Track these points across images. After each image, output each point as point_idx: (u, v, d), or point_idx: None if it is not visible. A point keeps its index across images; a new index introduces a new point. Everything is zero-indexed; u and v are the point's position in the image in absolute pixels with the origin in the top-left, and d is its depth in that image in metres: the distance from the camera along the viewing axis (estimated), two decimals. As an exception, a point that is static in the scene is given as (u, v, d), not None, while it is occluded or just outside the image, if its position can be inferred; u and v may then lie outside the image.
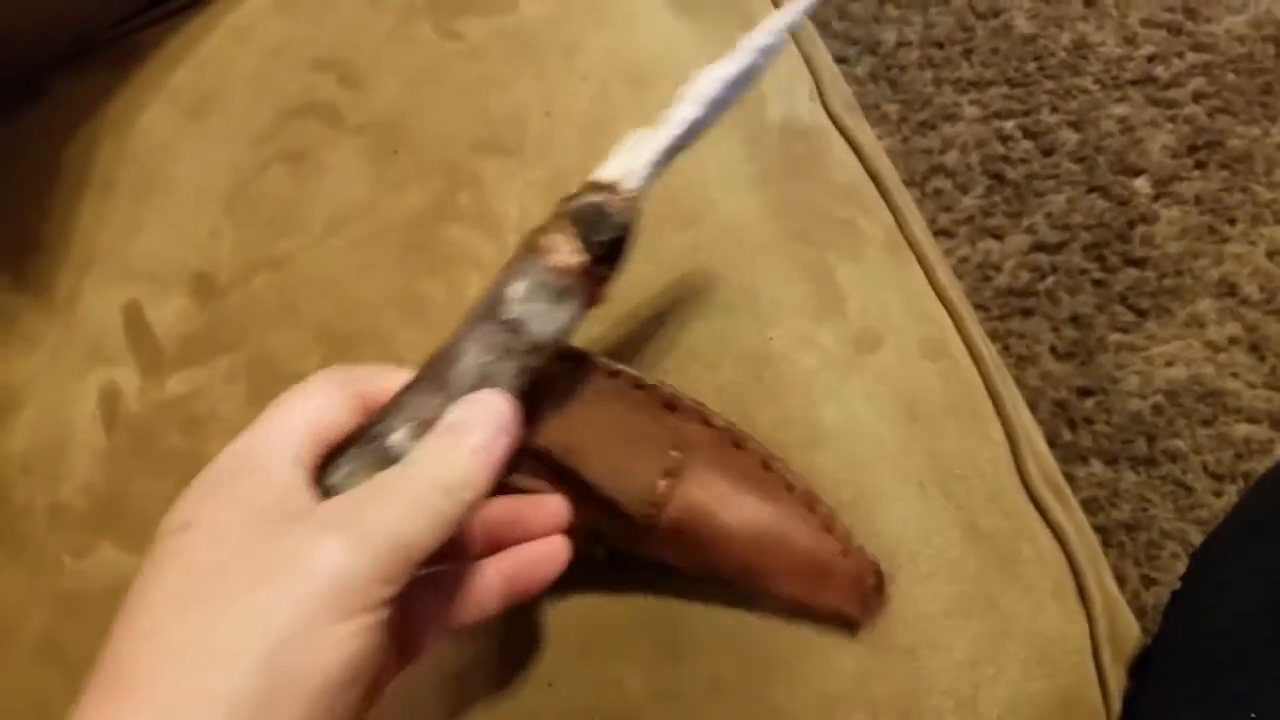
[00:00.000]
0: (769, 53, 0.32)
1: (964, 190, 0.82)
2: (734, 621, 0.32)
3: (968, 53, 0.90)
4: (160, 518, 0.37)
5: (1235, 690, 0.30)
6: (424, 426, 0.26)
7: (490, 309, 0.27)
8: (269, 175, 0.42)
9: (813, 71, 0.44)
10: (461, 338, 0.27)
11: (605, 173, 0.29)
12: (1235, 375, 0.70)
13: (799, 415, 0.34)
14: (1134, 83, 0.85)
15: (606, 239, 0.28)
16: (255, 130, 0.44)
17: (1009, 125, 0.84)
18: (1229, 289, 0.73)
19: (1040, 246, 0.78)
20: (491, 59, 0.43)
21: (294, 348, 0.38)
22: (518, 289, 0.27)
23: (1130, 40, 0.87)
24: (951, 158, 0.84)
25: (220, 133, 0.44)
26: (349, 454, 0.26)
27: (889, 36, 0.93)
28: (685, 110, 0.30)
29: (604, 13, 0.44)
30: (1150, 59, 0.85)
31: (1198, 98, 0.83)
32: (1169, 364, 0.72)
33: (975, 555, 0.32)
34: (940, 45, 0.91)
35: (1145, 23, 0.88)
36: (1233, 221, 0.76)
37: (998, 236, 0.79)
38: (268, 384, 0.38)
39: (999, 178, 0.82)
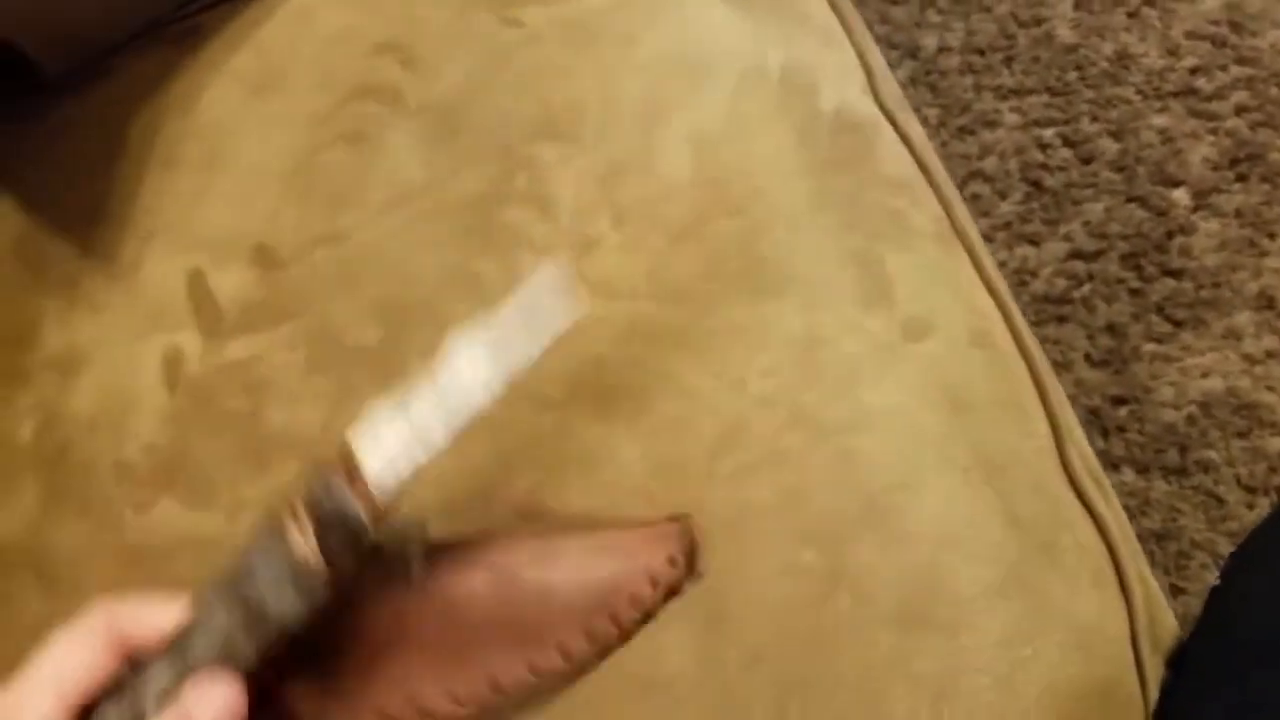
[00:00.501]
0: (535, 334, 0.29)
1: (1002, 196, 0.82)
2: (776, 593, 0.33)
3: (1009, 60, 0.90)
4: (219, 477, 0.38)
5: (1254, 700, 0.30)
6: (168, 697, 0.27)
7: (235, 582, 0.27)
8: (330, 154, 0.44)
9: (865, 66, 0.44)
10: (206, 606, 0.28)
11: (363, 456, 0.27)
12: (1271, 389, 0.70)
13: (844, 398, 0.35)
14: (1175, 94, 0.85)
15: (343, 544, 0.27)
16: (316, 110, 0.45)
17: (1048, 133, 0.84)
18: (1267, 302, 0.73)
19: (1077, 254, 0.78)
20: (550, 47, 0.44)
21: (353, 318, 0.39)
22: (263, 570, 0.27)
23: (1173, 52, 0.87)
24: (990, 164, 0.84)
25: (282, 112, 0.46)
26: (104, 708, 0.27)
27: (930, 42, 0.93)
28: (455, 397, 0.28)
29: (660, 4, 0.45)
30: (1192, 71, 0.85)
31: (1240, 111, 0.83)
32: (1204, 375, 0.71)
33: (1016, 541, 0.32)
34: (981, 52, 0.91)
35: (1189, 35, 0.88)
36: (1272, 235, 0.76)
37: (1035, 243, 0.79)
38: (328, 352, 0.39)
39: (1037, 185, 0.82)
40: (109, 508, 0.39)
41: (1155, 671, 0.33)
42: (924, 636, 0.31)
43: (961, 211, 0.41)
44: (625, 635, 0.33)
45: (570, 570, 0.33)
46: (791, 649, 0.32)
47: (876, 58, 0.46)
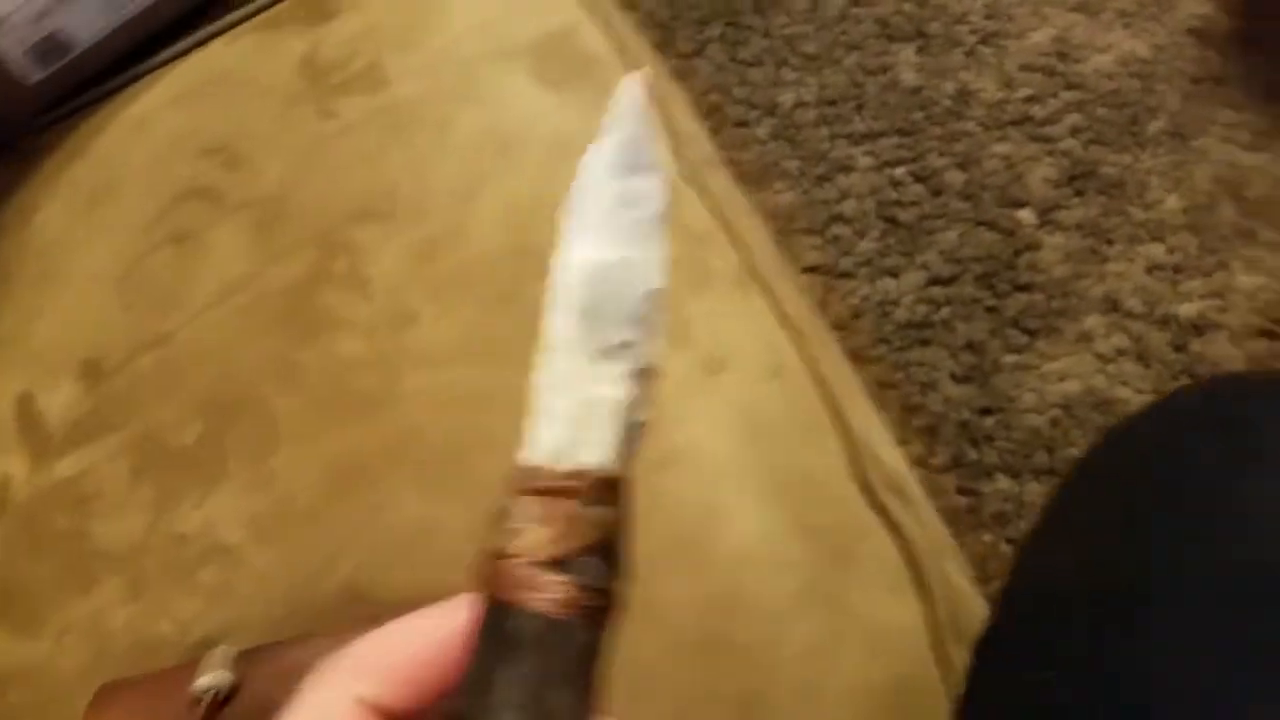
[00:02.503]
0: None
1: (861, 235, 0.86)
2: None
3: (859, 107, 0.95)
4: (45, 601, 0.39)
5: (1037, 677, 0.32)
6: None
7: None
8: (156, 257, 0.45)
9: (671, 131, 0.47)
10: None
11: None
12: (1125, 384, 0.74)
13: (651, 439, 0.37)
14: (1014, 123, 0.90)
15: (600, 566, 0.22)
16: (145, 217, 0.46)
17: (900, 171, 0.89)
18: (1113, 305, 0.77)
19: (935, 281, 0.82)
20: (365, 135, 0.46)
21: (175, 420, 0.40)
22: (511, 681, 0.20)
23: (1008, 84, 0.93)
24: (849, 206, 0.88)
25: (113, 221, 0.47)
26: None
27: (787, 98, 0.98)
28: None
29: (472, 89, 0.47)
30: (1027, 100, 0.91)
31: (1073, 132, 0.89)
32: (1062, 379, 0.75)
33: (811, 556, 0.34)
34: (834, 103, 0.96)
35: (1022, 67, 0.94)
36: (1111, 242, 0.81)
37: (894, 275, 0.83)
38: (150, 457, 0.40)
39: (893, 221, 0.86)
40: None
41: (961, 660, 0.34)
42: (728, 658, 0.33)
43: (763, 257, 0.44)
44: None
45: None
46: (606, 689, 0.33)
47: (685, 120, 0.49)
